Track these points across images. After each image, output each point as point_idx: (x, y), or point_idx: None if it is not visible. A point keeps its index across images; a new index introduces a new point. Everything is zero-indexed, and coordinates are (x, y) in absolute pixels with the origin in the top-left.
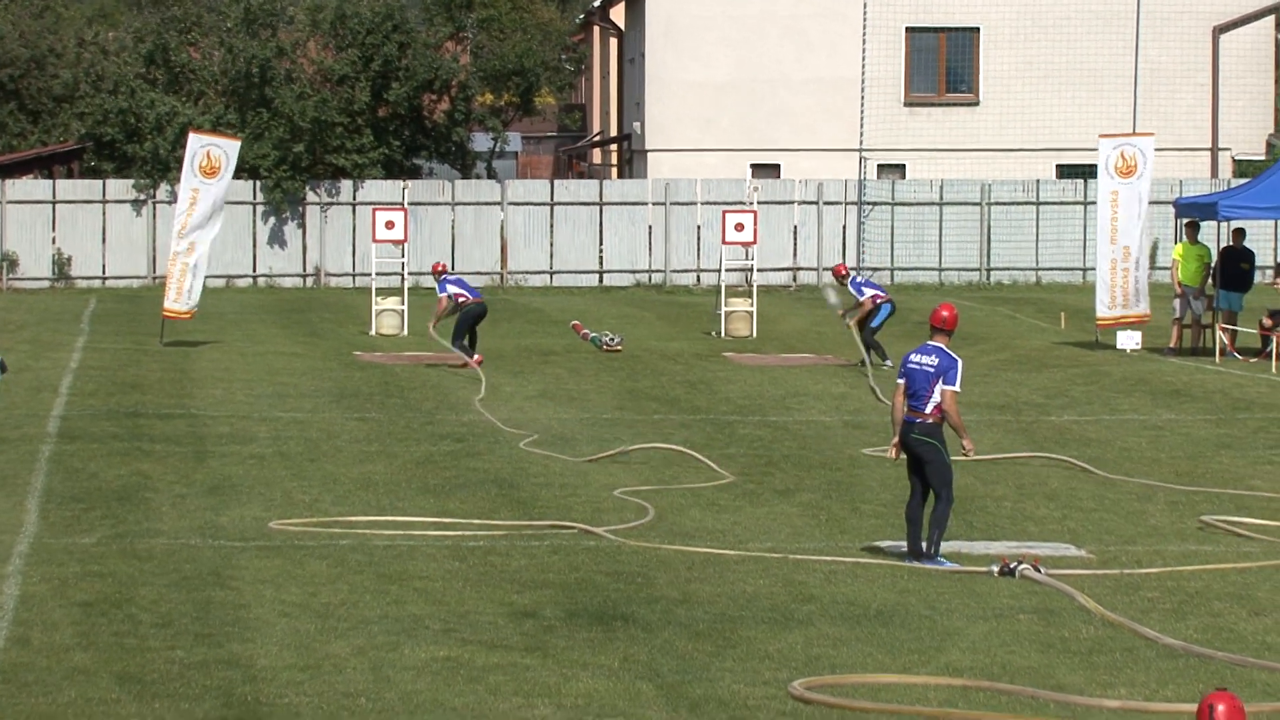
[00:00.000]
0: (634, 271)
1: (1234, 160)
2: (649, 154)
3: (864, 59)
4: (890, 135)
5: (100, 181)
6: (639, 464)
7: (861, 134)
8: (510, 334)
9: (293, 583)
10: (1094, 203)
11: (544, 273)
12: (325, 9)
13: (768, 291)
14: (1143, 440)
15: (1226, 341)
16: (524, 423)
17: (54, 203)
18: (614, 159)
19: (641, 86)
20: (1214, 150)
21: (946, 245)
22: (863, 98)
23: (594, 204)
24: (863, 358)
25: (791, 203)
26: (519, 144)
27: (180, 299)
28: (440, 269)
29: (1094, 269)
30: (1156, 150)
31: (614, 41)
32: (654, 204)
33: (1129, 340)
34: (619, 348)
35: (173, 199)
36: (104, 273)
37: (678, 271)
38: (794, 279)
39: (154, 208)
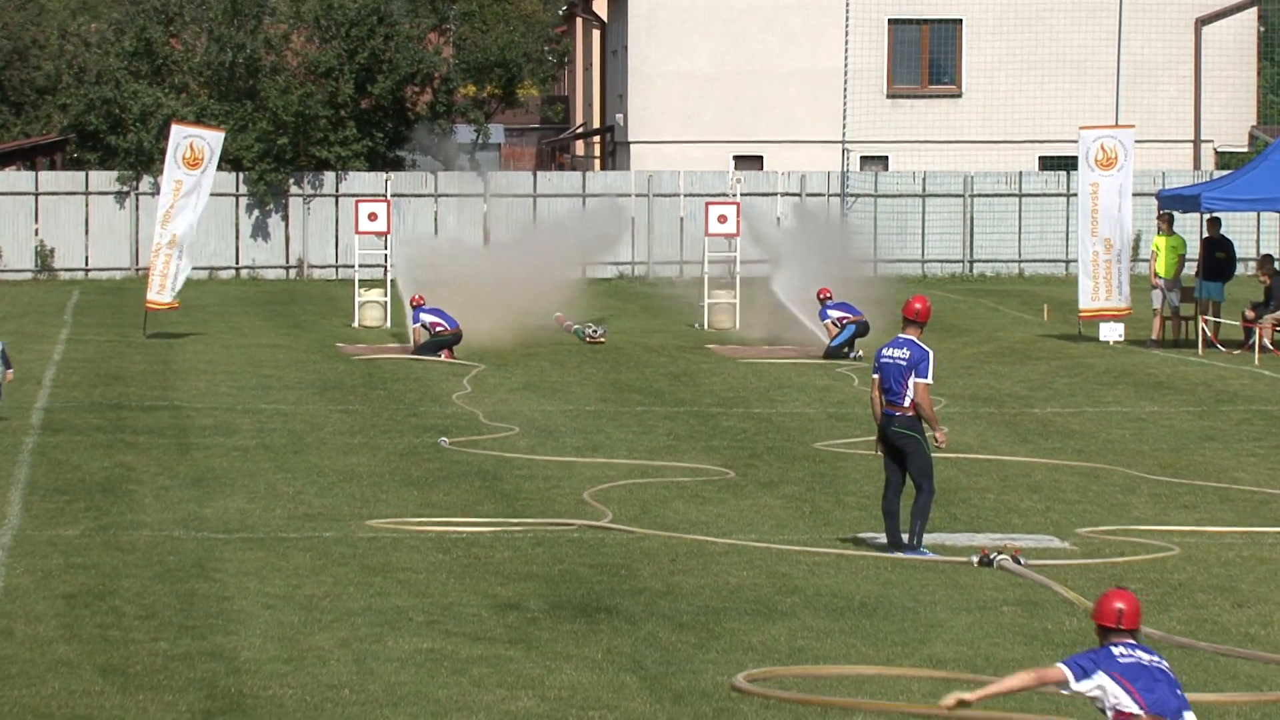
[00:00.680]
0: (617, 263)
1: (1216, 152)
2: (632, 146)
3: (846, 51)
4: (873, 127)
5: (83, 173)
6: (623, 458)
7: (844, 126)
8: (491, 329)
9: (276, 575)
10: (1076, 195)
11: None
12: (309, 1)
13: (751, 283)
14: (1126, 432)
15: (1210, 333)
16: (507, 415)
17: (36, 194)
18: (597, 151)
19: (624, 79)
20: (1196, 142)
21: (929, 237)
22: (845, 90)
23: (577, 196)
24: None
25: (775, 194)
26: (502, 136)
27: (163, 290)
28: (418, 302)
29: (1076, 261)
30: (1139, 142)
31: (597, 33)
32: (637, 196)
33: (1112, 332)
34: (602, 340)
35: (156, 191)
36: (87, 264)
37: (661, 263)
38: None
39: (137, 199)
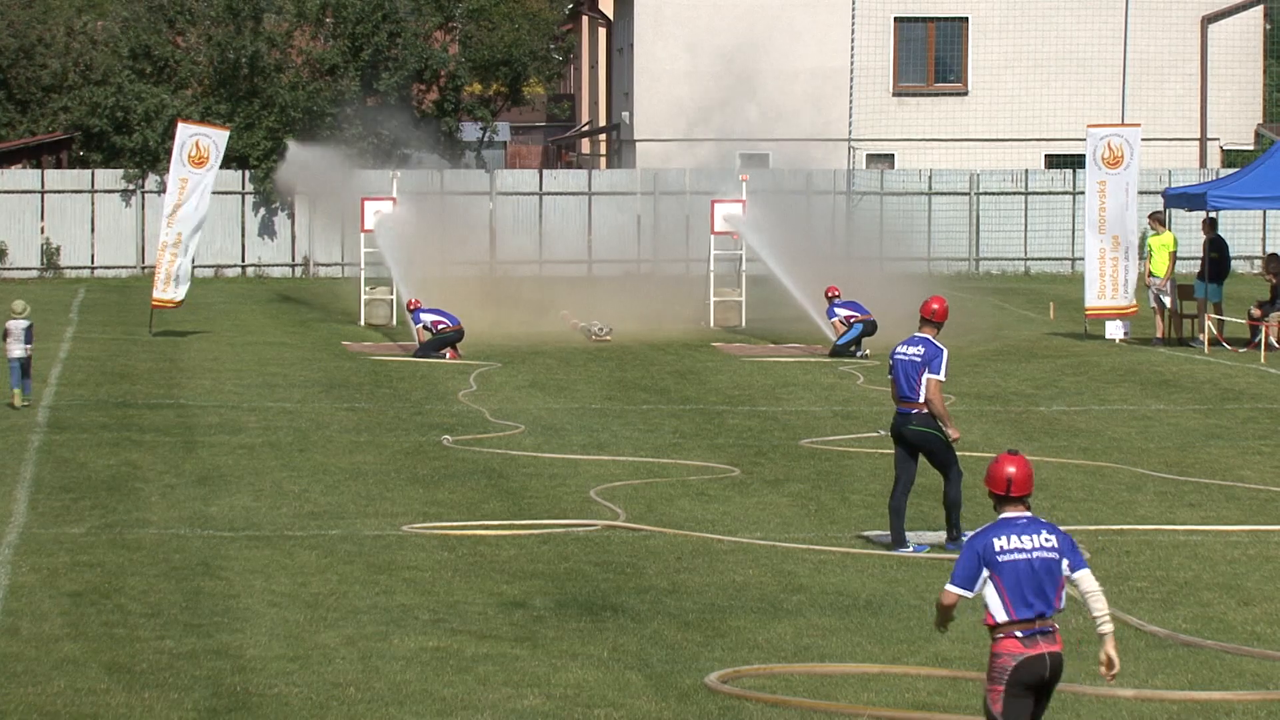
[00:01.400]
0: (623, 261)
1: (1222, 150)
2: (637, 144)
3: (853, 49)
4: (879, 125)
5: (89, 171)
6: (628, 456)
7: (850, 124)
8: (499, 324)
9: (282, 573)
10: (1083, 193)
11: (533, 262)
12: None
13: (756, 281)
14: (1132, 430)
15: (1216, 332)
16: (513, 413)
17: (42, 192)
18: (603, 149)
19: (630, 76)
20: (1202, 140)
21: (935, 235)
22: (851, 88)
23: (583, 194)
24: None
25: (780, 192)
26: (508, 134)
27: (169, 289)
28: (415, 305)
29: (1083, 259)
30: (1145, 140)
31: (603, 31)
32: (642, 194)
33: (1117, 330)
34: (608, 337)
35: (161, 189)
36: (93, 262)
37: (666, 261)
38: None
39: (143, 197)
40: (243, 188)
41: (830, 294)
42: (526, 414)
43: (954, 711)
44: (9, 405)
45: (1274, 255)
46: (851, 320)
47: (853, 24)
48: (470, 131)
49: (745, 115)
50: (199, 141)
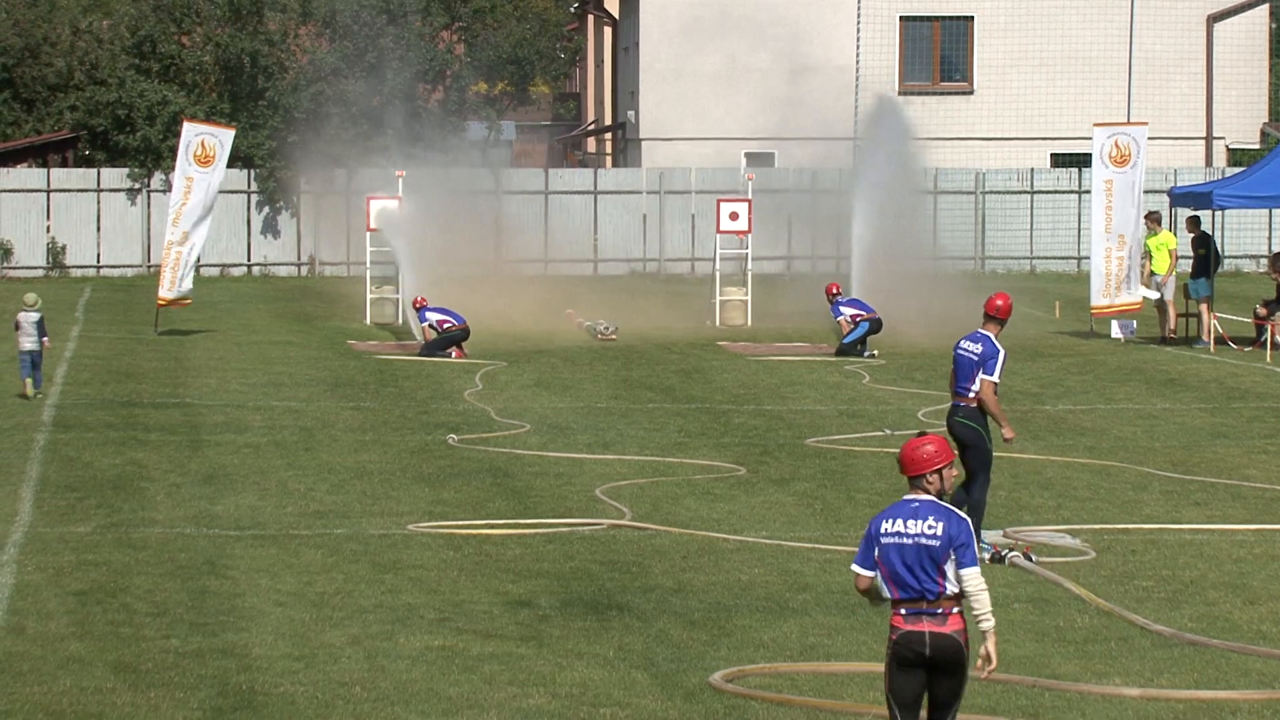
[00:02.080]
0: (628, 260)
1: (1228, 149)
2: (643, 143)
3: (858, 47)
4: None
5: (94, 170)
6: (634, 455)
7: (856, 123)
8: (504, 322)
9: (287, 572)
10: (1088, 191)
11: (538, 261)
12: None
13: (762, 280)
14: (1138, 429)
15: (1221, 330)
16: (518, 412)
17: (48, 191)
18: (608, 148)
19: (636, 75)
20: (1208, 139)
21: (940, 234)
22: (857, 86)
23: (588, 193)
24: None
25: (786, 191)
26: (513, 133)
27: (175, 288)
28: (421, 303)
29: (1089, 258)
30: (1151, 139)
31: (608, 30)
32: (648, 193)
33: (1123, 329)
34: (613, 336)
35: (167, 188)
36: (98, 261)
37: (672, 260)
38: (788, 268)
39: (148, 196)
40: (248, 187)
41: (832, 292)
42: (532, 413)
43: (959, 711)
44: (20, 396)
45: (1279, 255)
46: (857, 319)
47: (858, 22)
48: (476, 131)
49: (750, 114)
50: (205, 141)
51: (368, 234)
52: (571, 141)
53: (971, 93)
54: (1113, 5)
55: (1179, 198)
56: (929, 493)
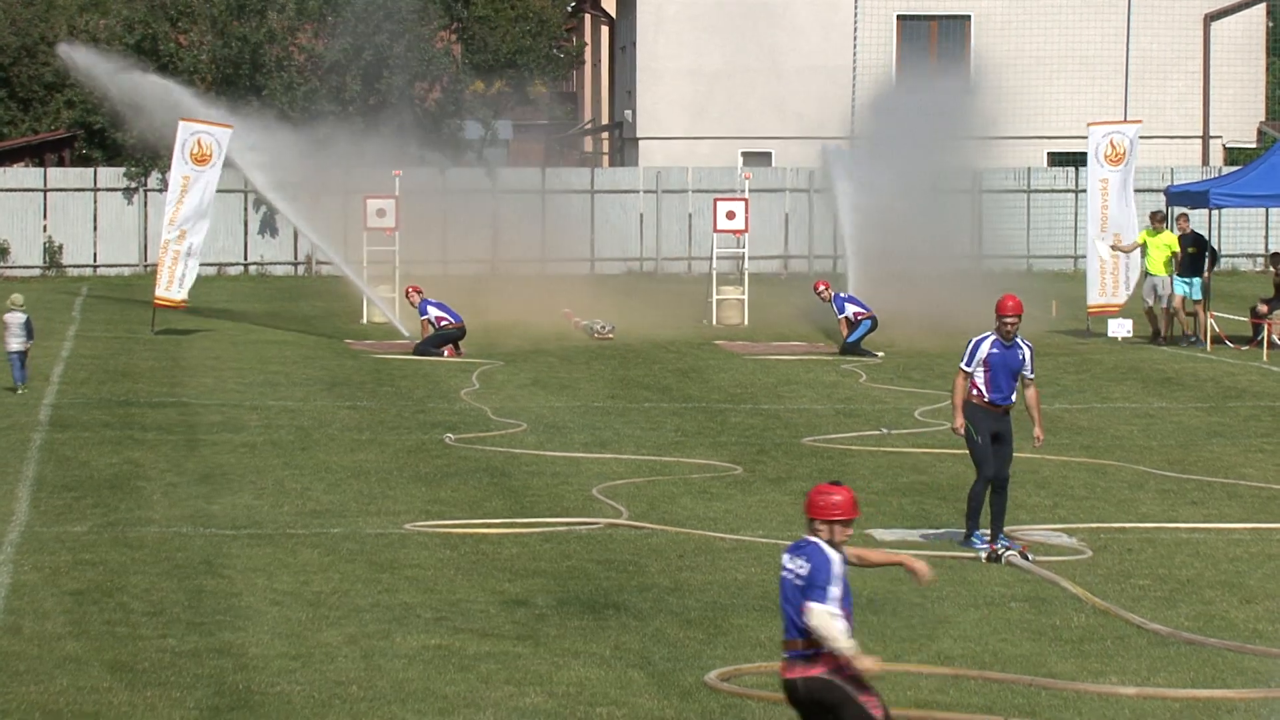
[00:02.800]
0: (625, 259)
1: (1225, 148)
2: (640, 142)
3: (855, 46)
4: None
5: (91, 169)
6: (631, 454)
7: (853, 122)
8: (500, 323)
9: (284, 571)
10: (1085, 190)
11: (536, 260)
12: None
13: (759, 279)
14: (1134, 428)
15: (1218, 329)
16: (515, 411)
17: (45, 191)
18: (605, 147)
19: (633, 74)
20: (1205, 138)
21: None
22: (854, 85)
23: (585, 192)
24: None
25: (783, 190)
26: (510, 132)
27: (172, 287)
28: (416, 290)
29: (1085, 257)
30: (1147, 138)
31: (605, 29)
32: (645, 192)
33: (1120, 328)
34: (610, 335)
35: (164, 187)
36: (95, 261)
37: (669, 259)
38: (785, 267)
39: (145, 195)
40: (245, 186)
41: (822, 288)
42: (529, 412)
43: (955, 709)
44: (9, 390)
45: (1277, 254)
46: (859, 317)
47: (856, 21)
48: (473, 130)
49: (748, 113)
50: (201, 139)
51: (365, 233)
52: (568, 141)
53: (969, 91)
54: (1109, 4)
55: (1175, 197)
56: (819, 537)
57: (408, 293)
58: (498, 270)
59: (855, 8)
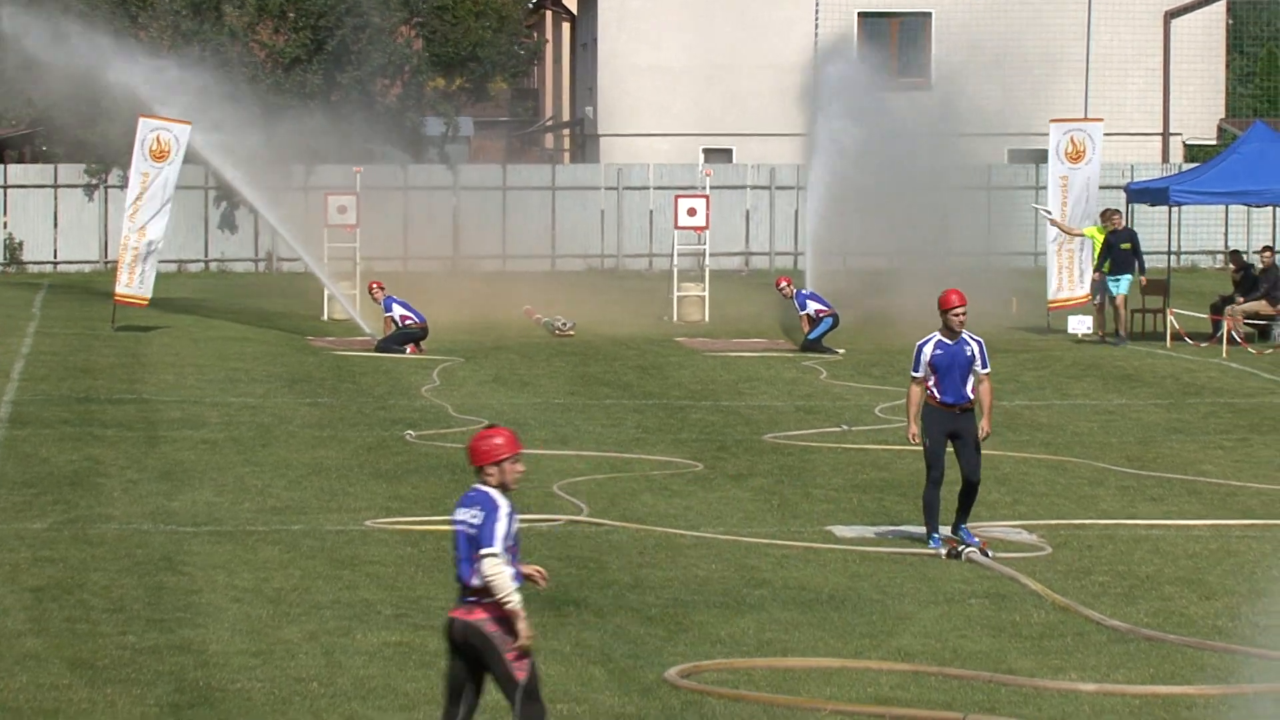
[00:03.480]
0: (586, 256)
1: (1185, 145)
2: (601, 139)
3: (816, 43)
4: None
5: (52, 166)
6: (591, 450)
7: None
8: (462, 319)
9: (245, 568)
10: (1044, 187)
11: (496, 257)
12: None
13: (720, 276)
14: (1094, 425)
15: (1178, 326)
16: (476, 408)
17: (5, 187)
18: (566, 144)
19: (594, 71)
20: (1165, 135)
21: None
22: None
23: (546, 189)
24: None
25: (744, 187)
26: (471, 128)
27: (132, 284)
28: (379, 285)
29: (1044, 253)
30: (1108, 135)
31: (566, 26)
32: (606, 189)
33: (1080, 325)
34: (571, 332)
35: (124, 184)
36: (55, 257)
37: (630, 256)
38: (746, 263)
39: (105, 192)
40: (205, 183)
41: (783, 284)
42: (490, 409)
43: (916, 706)
44: None
45: (1236, 252)
46: (820, 314)
47: (816, 19)
48: (434, 126)
49: (709, 110)
50: (160, 136)
51: (325, 230)
52: (529, 137)
53: (929, 89)
54: (1070, 2)
55: (1136, 194)
56: (489, 485)
57: (370, 288)
58: (458, 267)
59: (816, 5)
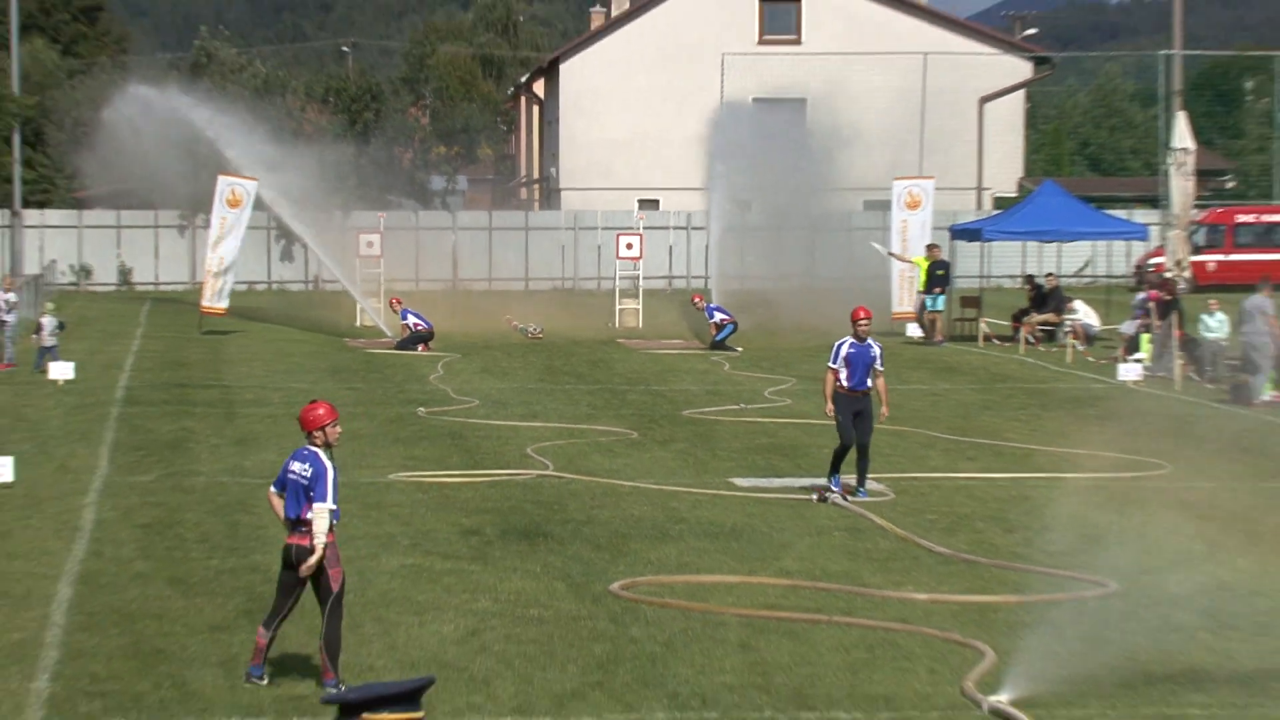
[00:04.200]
0: (551, 279)
1: (994, 197)
2: (562, 191)
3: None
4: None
5: (153, 211)
6: (555, 422)
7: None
8: (458, 326)
9: None
10: (889, 229)
11: (484, 280)
12: (319, 84)
13: (650, 294)
14: (925, 404)
15: (988, 330)
16: (470, 391)
17: (119, 227)
18: (536, 195)
19: (557, 142)
20: (979, 190)
21: (786, 258)
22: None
23: (521, 229)
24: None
25: (668, 228)
26: (465, 184)
27: (213, 298)
28: (398, 300)
29: (889, 277)
30: (938, 189)
31: (536, 108)
32: (565, 229)
33: (914, 330)
34: (540, 336)
35: (207, 225)
36: (156, 279)
37: (584, 279)
38: (669, 285)
39: (194, 231)
40: (268, 224)
41: (696, 300)
42: (480, 391)
43: (794, 610)
44: (40, 374)
45: (1030, 276)
46: (724, 322)
47: (721, 101)
48: (437, 182)
49: (641, 170)
50: (234, 189)
51: (357, 260)
52: (509, 190)
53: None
54: (910, 89)
55: (958, 233)
56: (316, 445)
57: (391, 303)
58: (456, 287)
59: (721, 93)
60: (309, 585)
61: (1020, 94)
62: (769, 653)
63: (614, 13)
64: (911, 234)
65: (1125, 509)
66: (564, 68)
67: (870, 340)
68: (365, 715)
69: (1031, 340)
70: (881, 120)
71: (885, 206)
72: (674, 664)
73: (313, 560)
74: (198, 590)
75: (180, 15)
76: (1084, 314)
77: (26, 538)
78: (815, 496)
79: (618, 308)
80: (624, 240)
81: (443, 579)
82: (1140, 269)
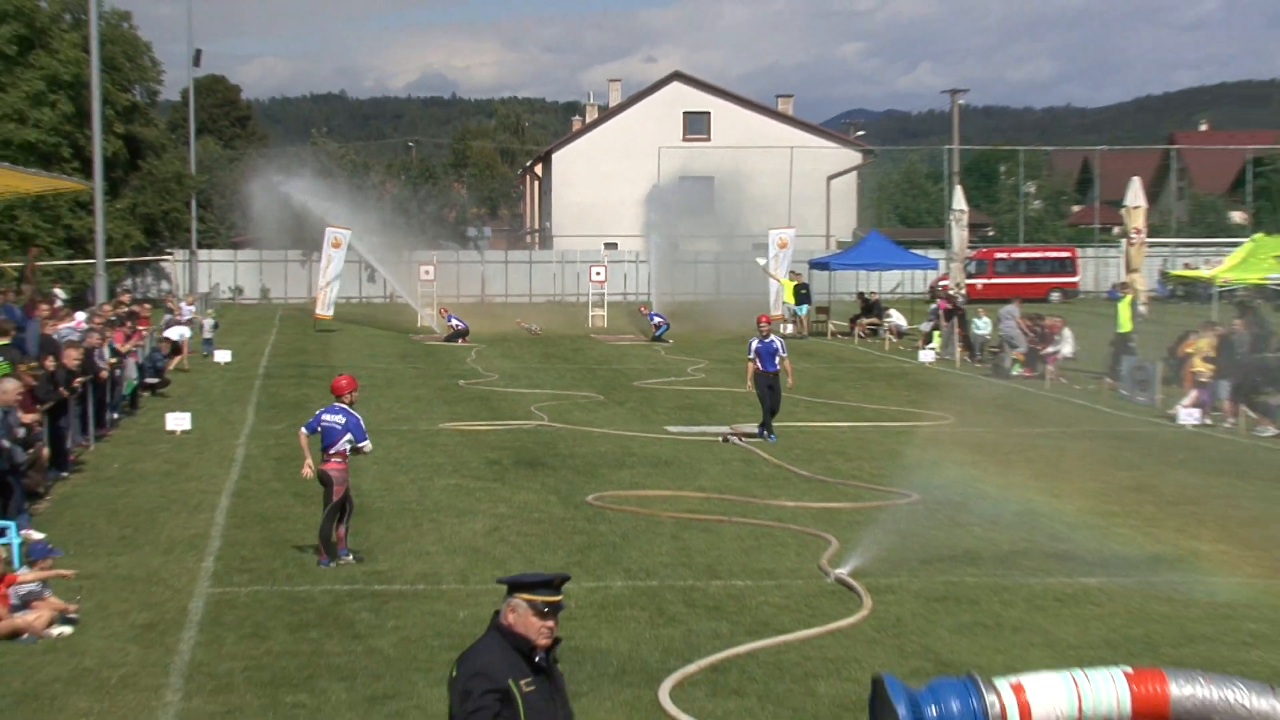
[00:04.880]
0: (548, 296)
1: (837, 242)
2: (555, 238)
3: (656, 190)
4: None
5: (283, 250)
6: (550, 389)
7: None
8: (485, 328)
9: (380, 448)
10: (768, 261)
11: (503, 296)
12: (394, 167)
13: (613, 306)
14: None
15: (834, 328)
16: (493, 369)
17: (261, 261)
18: (537, 240)
19: (550, 204)
20: (827, 236)
21: (701, 282)
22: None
23: (526, 262)
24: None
25: (623, 262)
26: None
27: (324, 309)
28: (445, 310)
29: (767, 293)
30: (800, 235)
31: (537, 183)
32: (557, 262)
33: (787, 328)
34: (539, 333)
35: (319, 259)
36: (286, 295)
37: (569, 295)
38: (624, 299)
39: (311, 265)
40: (359, 260)
41: (642, 309)
42: (500, 370)
43: (707, 514)
44: (206, 358)
45: (861, 293)
46: (660, 323)
47: (658, 174)
48: (472, 231)
49: (606, 222)
50: (337, 236)
51: (418, 284)
52: (518, 237)
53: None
54: (781, 171)
55: (814, 264)
56: (344, 403)
57: (440, 311)
58: (484, 300)
59: (658, 168)
60: (344, 491)
61: (854, 174)
62: (691, 541)
63: (588, 120)
64: (782, 265)
65: (924, 446)
66: (555, 156)
67: (772, 336)
68: (518, 593)
69: (862, 335)
70: (763, 190)
71: (764, 248)
72: (628, 550)
73: (366, 447)
74: (310, 501)
75: (301, 121)
76: (896, 317)
77: (199, 466)
78: (721, 438)
79: (590, 315)
80: (594, 270)
81: (475, 493)
82: (933, 288)
